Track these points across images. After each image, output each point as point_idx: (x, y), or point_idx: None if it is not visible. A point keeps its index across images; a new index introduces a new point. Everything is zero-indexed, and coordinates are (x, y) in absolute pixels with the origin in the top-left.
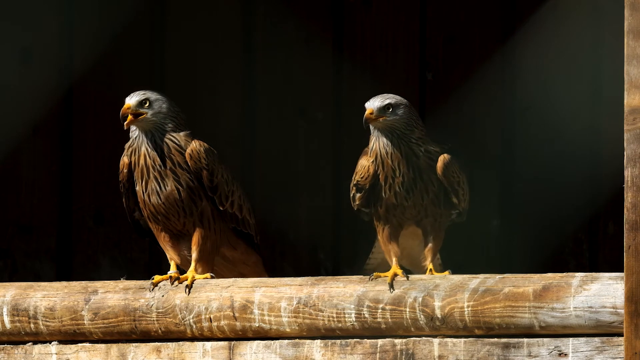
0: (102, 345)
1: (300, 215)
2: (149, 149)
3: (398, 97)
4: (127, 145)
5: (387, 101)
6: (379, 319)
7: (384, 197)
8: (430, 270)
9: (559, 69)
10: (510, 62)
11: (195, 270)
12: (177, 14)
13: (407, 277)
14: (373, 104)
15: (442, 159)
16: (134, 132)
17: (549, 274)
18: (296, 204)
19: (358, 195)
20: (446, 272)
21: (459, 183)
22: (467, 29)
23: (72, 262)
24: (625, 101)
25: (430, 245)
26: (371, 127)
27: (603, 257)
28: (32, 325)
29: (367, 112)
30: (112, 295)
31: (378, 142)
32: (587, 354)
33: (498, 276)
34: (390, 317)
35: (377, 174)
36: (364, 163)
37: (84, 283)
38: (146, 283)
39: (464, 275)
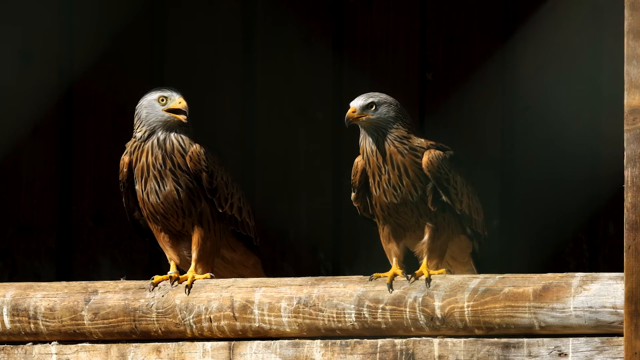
0: (102, 345)
1: (300, 215)
2: (154, 147)
3: (383, 96)
4: (128, 144)
5: (370, 99)
6: (379, 319)
7: (375, 195)
8: (425, 269)
9: (559, 69)
10: (510, 62)
11: (195, 270)
12: (177, 14)
13: (407, 278)
14: (357, 102)
15: (427, 154)
16: (142, 128)
17: (549, 274)
18: (296, 204)
19: (353, 194)
20: (442, 270)
21: (448, 180)
22: (467, 29)
23: (72, 262)
24: (625, 101)
25: (425, 239)
26: (359, 126)
27: (603, 257)
28: (32, 325)
29: (349, 110)
30: (112, 295)
31: (365, 141)
32: (587, 354)
33: (498, 276)
34: (390, 317)
35: (365, 171)
36: (355, 161)
37: (84, 283)
38: (146, 283)
39: (464, 275)
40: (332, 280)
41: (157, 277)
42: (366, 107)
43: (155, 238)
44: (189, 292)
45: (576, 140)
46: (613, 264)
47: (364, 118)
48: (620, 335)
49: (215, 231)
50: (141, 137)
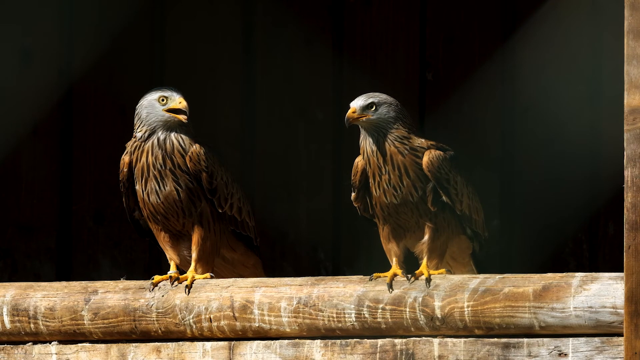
0: (102, 345)
1: (300, 215)
2: (155, 147)
3: (383, 96)
4: (129, 144)
5: (370, 100)
6: (379, 319)
7: (375, 195)
8: (425, 268)
9: (558, 69)
10: (510, 62)
11: (195, 270)
12: (177, 14)
13: (407, 278)
14: (357, 103)
15: (427, 154)
16: (142, 128)
17: (549, 274)
18: (296, 204)
19: (353, 194)
20: (442, 270)
21: (448, 180)
22: (467, 29)
23: (72, 262)
24: (625, 101)
25: (425, 239)
26: (360, 126)
27: (603, 257)
28: (32, 325)
29: (349, 111)
30: (112, 295)
31: (365, 141)
32: (587, 354)
33: (498, 276)
34: (390, 317)
35: (365, 172)
36: (356, 161)
37: (84, 283)
38: (146, 283)
39: (464, 275)
40: (332, 280)
41: (157, 277)
42: (366, 108)
43: (155, 238)
44: (189, 292)
45: (576, 140)
46: (613, 264)
47: (364, 118)
48: (620, 335)
49: (215, 231)
50: (141, 137)
